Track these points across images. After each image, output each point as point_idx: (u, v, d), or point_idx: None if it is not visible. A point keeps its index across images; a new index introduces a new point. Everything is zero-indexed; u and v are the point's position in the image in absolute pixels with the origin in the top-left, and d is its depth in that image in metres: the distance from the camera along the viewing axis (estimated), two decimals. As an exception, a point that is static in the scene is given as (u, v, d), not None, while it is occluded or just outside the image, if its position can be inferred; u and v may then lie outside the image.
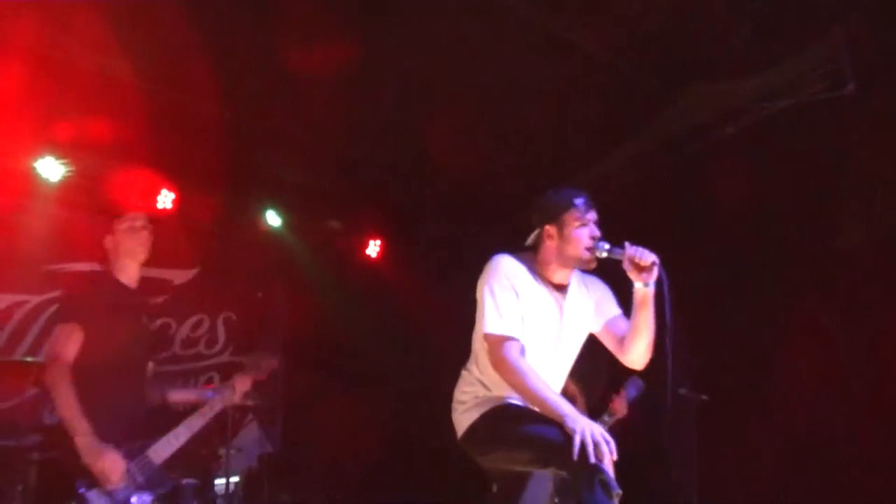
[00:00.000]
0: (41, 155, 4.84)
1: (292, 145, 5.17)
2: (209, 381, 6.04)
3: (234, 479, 5.22)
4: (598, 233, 2.68)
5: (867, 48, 4.05)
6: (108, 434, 2.98)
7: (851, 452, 3.97)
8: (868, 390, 3.94)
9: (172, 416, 3.35)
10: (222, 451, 5.01)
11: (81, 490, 2.92)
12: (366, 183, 5.79)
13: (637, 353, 2.69)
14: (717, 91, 4.59)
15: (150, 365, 3.46)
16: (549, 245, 2.72)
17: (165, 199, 5.35)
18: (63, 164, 4.91)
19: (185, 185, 5.39)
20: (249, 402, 5.00)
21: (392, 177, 5.77)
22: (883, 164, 4.05)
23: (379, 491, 5.95)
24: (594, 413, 4.17)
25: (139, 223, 3.41)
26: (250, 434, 6.08)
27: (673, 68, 4.40)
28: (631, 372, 3.43)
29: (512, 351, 2.57)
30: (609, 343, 2.83)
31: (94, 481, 2.93)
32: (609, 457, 2.28)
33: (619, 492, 2.26)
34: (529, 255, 2.79)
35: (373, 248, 6.56)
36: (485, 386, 2.75)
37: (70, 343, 3.10)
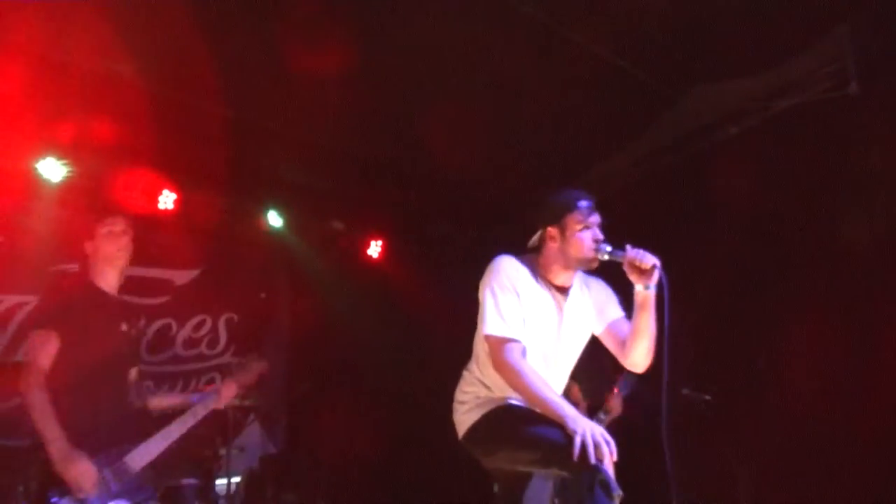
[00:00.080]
0: (42, 156, 4.83)
1: (294, 146, 5.17)
2: (210, 381, 6.04)
3: (236, 479, 5.23)
4: (600, 236, 2.68)
5: (871, 47, 4.04)
6: (83, 441, 2.94)
7: (851, 452, 3.96)
8: (869, 390, 3.93)
9: (153, 422, 3.29)
10: (224, 452, 5.02)
11: (54, 500, 2.88)
12: (367, 183, 5.78)
13: (638, 356, 2.69)
14: (721, 91, 4.59)
15: (133, 371, 3.40)
16: (552, 247, 2.72)
17: (167, 200, 5.35)
18: (64, 164, 4.90)
19: (187, 185, 5.38)
20: (248, 403, 5.02)
21: (394, 177, 5.77)
22: (887, 163, 4.04)
23: (381, 491, 5.95)
24: (592, 412, 4.17)
25: (119, 228, 3.33)
26: (252, 434, 6.08)
27: (676, 68, 4.39)
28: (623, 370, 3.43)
29: (513, 352, 2.57)
30: (611, 345, 2.83)
31: (66, 489, 2.89)
32: (609, 458, 2.28)
33: (620, 493, 2.26)
34: (532, 257, 2.79)
35: (374, 249, 6.56)
36: (486, 386, 2.75)
37: (45, 350, 3.06)
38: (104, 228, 3.31)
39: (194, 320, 6.08)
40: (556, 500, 2.71)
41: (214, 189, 5.54)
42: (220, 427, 4.94)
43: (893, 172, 4.01)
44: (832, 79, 4.19)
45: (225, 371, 5.83)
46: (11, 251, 5.05)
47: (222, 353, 6.24)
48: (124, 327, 3.34)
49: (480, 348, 2.74)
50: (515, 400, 2.66)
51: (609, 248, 2.63)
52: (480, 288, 2.72)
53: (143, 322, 5.68)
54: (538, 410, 2.52)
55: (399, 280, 6.51)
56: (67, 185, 5.00)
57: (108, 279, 3.33)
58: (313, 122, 4.89)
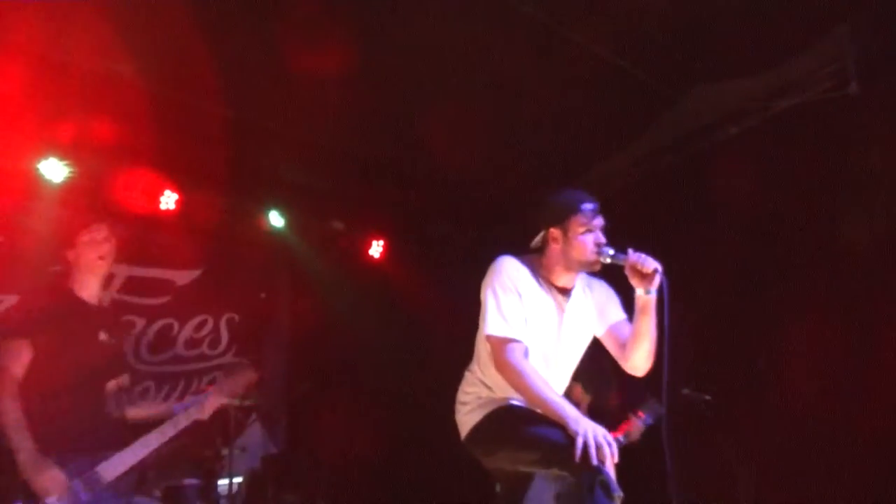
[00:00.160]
0: (44, 156, 4.84)
1: (294, 146, 5.18)
2: (212, 381, 6.04)
3: (238, 479, 5.23)
4: (603, 239, 2.68)
5: (871, 47, 4.04)
6: (54, 450, 2.91)
7: (851, 452, 3.96)
8: (869, 390, 3.93)
9: (131, 432, 3.22)
10: (226, 452, 5.02)
11: None
12: (369, 183, 5.78)
13: (638, 360, 2.69)
14: (721, 91, 4.59)
15: (114, 382, 3.33)
16: (554, 248, 2.73)
17: (168, 200, 5.35)
18: (66, 165, 4.91)
19: (188, 186, 5.39)
20: (248, 403, 5.02)
21: (394, 177, 5.77)
22: (887, 163, 4.04)
23: (381, 491, 5.96)
24: (602, 419, 4.16)
25: (101, 235, 3.28)
26: (254, 434, 6.09)
27: (676, 68, 4.39)
28: (649, 394, 3.43)
29: (515, 353, 2.58)
30: (611, 348, 2.83)
31: (33, 498, 2.85)
32: (611, 459, 2.29)
33: (621, 494, 2.27)
34: (534, 257, 2.79)
35: (376, 249, 6.57)
36: (487, 387, 2.75)
37: (18, 360, 3.02)
38: (86, 236, 3.26)
39: (196, 320, 6.08)
40: (558, 502, 2.71)
41: (215, 189, 5.55)
42: (221, 427, 4.94)
43: (893, 172, 4.01)
44: (832, 79, 4.19)
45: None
46: (11, 251, 5.05)
47: (224, 354, 6.24)
48: (103, 337, 3.28)
49: (482, 349, 2.75)
50: (517, 400, 2.66)
51: (611, 252, 2.63)
52: (482, 288, 2.72)
53: (138, 326, 5.70)
54: (539, 411, 2.52)
55: (399, 280, 6.52)
56: (69, 186, 5.00)
57: (89, 287, 3.29)
58: (313, 122, 4.89)
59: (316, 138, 5.14)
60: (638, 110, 4.84)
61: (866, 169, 4.11)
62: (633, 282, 2.59)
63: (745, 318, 4.61)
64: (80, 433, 3.05)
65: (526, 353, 2.61)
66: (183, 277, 6.00)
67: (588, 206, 2.70)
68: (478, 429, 2.71)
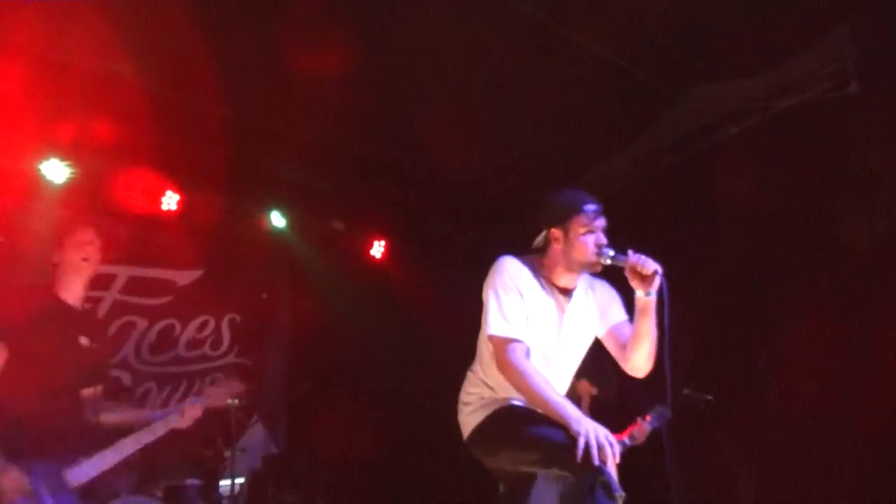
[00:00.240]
0: (46, 157, 4.84)
1: (295, 146, 5.18)
2: (213, 382, 6.04)
3: (239, 480, 5.23)
4: (604, 241, 2.68)
5: (871, 47, 4.04)
6: (20, 452, 2.88)
7: (851, 452, 3.96)
8: (868, 390, 3.93)
9: (107, 438, 3.18)
10: (227, 453, 5.02)
11: None
12: (370, 183, 5.79)
13: (638, 361, 2.68)
14: (721, 91, 4.59)
15: (91, 390, 3.28)
16: (555, 248, 2.72)
17: (170, 201, 5.36)
18: (67, 165, 4.91)
19: (190, 186, 5.39)
20: (244, 403, 4.98)
21: (394, 177, 5.77)
22: (887, 163, 4.04)
23: (381, 491, 5.96)
24: (604, 418, 4.16)
25: (86, 237, 3.27)
26: (255, 435, 6.10)
27: (676, 68, 4.40)
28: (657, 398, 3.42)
29: (516, 353, 2.58)
30: (612, 348, 2.83)
31: None
32: (612, 459, 2.29)
33: (622, 494, 2.27)
34: (535, 257, 2.79)
35: (377, 249, 6.57)
36: (489, 387, 2.75)
37: None
38: (72, 238, 3.26)
39: (197, 321, 6.08)
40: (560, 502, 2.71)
41: (215, 189, 5.55)
42: (223, 428, 4.94)
43: (893, 172, 4.01)
44: (832, 79, 4.20)
45: (231, 371, 5.84)
46: (12, 251, 5.05)
47: (226, 355, 6.24)
48: (84, 341, 3.23)
49: (484, 349, 2.75)
50: (518, 401, 2.66)
51: (612, 253, 2.63)
52: (484, 288, 2.72)
53: (140, 327, 5.69)
54: (541, 411, 2.52)
55: (399, 280, 6.52)
56: (70, 187, 5.00)
57: (73, 290, 3.26)
58: (313, 122, 4.90)
59: (316, 138, 5.14)
60: (638, 110, 4.85)
61: (866, 169, 4.11)
62: (633, 283, 2.59)
63: (745, 318, 4.61)
64: (50, 436, 3.01)
65: (527, 353, 2.61)
66: (184, 278, 6.00)
67: (590, 206, 2.70)
68: (480, 429, 2.71)
